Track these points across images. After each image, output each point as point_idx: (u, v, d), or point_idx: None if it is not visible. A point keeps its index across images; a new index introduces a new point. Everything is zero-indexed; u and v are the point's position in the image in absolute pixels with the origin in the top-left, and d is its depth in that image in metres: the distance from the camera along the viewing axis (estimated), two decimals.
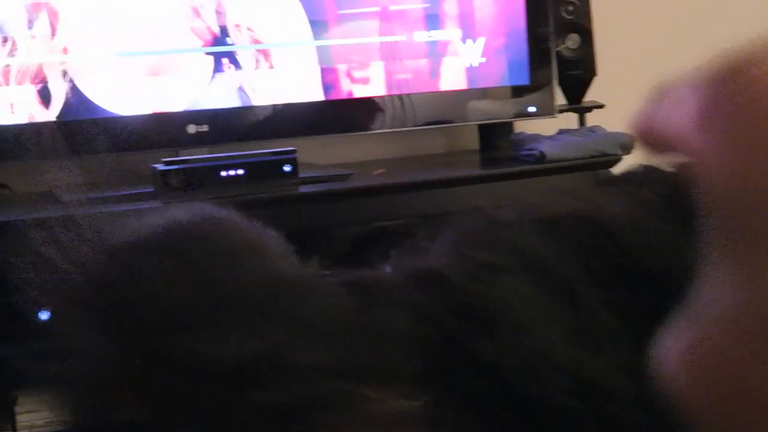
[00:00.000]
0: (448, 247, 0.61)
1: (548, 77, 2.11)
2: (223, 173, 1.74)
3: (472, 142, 2.26)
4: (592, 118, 2.19)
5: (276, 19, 1.97)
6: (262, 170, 1.78)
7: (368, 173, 1.92)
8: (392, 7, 2.03)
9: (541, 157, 1.94)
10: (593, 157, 1.96)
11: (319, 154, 2.12)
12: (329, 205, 1.80)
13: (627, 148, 1.97)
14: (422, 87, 2.07)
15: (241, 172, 1.75)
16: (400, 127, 2.08)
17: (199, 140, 1.92)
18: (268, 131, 1.97)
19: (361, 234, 1.87)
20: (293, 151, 1.79)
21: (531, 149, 1.97)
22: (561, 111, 2.15)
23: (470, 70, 2.09)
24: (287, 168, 1.77)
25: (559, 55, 2.13)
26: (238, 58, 1.96)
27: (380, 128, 2.06)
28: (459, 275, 0.54)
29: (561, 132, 2.13)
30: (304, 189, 1.78)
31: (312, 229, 1.79)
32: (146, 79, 1.91)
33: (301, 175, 1.79)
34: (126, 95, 1.89)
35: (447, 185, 1.88)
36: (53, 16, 1.85)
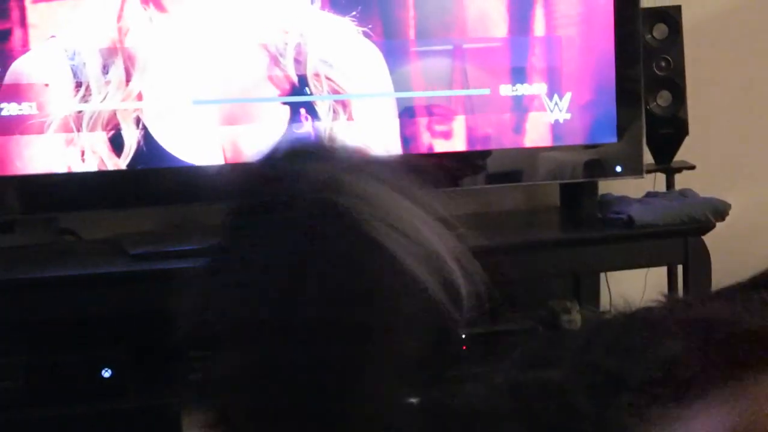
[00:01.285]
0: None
1: (637, 136, 2.06)
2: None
3: (553, 198, 2.23)
4: (682, 180, 2.15)
5: (357, 70, 1.95)
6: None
7: None
8: (477, 59, 2.00)
9: (630, 222, 1.91)
10: (684, 223, 1.92)
11: None
12: None
13: (720, 215, 1.93)
14: (505, 142, 2.03)
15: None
16: (481, 184, 2.04)
17: None
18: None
19: None
20: None
21: (619, 212, 1.94)
22: (649, 171, 2.12)
23: (555, 126, 2.05)
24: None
25: (648, 112, 2.09)
26: (317, 108, 1.93)
27: (460, 185, 2.02)
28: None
29: (649, 195, 2.09)
30: None
31: None
32: (221, 128, 1.88)
33: None
34: (201, 144, 1.87)
35: (531, 249, 1.85)
36: (129, 61, 1.83)
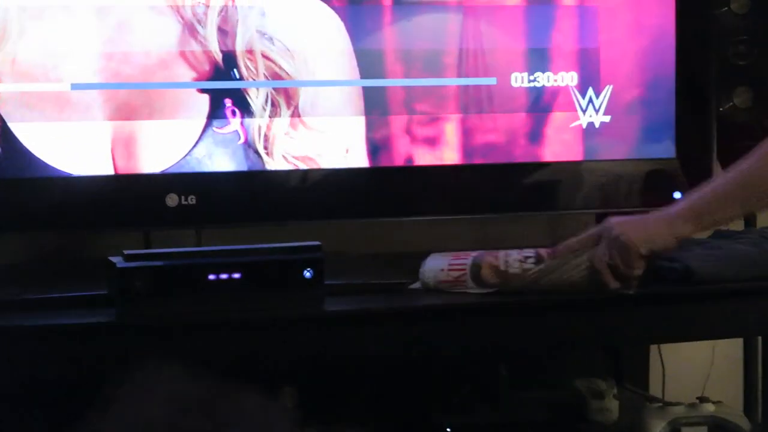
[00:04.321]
0: None
1: (705, 148, 2.06)
2: (212, 276, 1.68)
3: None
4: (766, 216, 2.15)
5: (308, 46, 1.91)
6: (270, 274, 1.71)
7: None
8: (479, 34, 1.99)
9: (687, 275, 1.85)
10: (764, 278, 1.88)
11: (362, 243, 2.10)
12: (370, 331, 1.74)
13: None
14: (517, 154, 2.01)
15: (237, 275, 1.69)
16: (481, 213, 2.03)
17: (182, 218, 1.87)
18: (284, 211, 1.92)
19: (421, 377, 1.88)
20: (317, 248, 1.73)
21: (673, 260, 1.87)
22: None
23: (589, 133, 2.04)
24: (307, 273, 1.71)
25: (721, 116, 2.08)
26: (250, 99, 1.89)
27: (451, 212, 2.02)
28: None
29: (718, 235, 2.03)
30: (331, 305, 1.73)
31: (341, 369, 1.76)
32: (110, 125, 1.85)
33: (330, 282, 1.73)
34: (81, 146, 1.84)
35: (551, 308, 1.79)
36: None
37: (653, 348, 2.24)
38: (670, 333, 1.96)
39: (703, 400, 1.98)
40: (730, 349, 2.16)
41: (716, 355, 2.13)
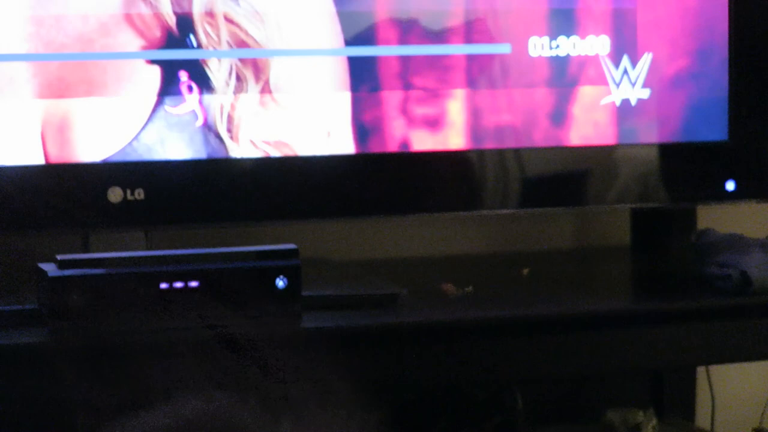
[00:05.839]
0: None
1: (765, 129, 2.07)
2: (164, 285, 1.70)
3: (618, 234, 2.27)
4: None
5: (280, 8, 1.91)
6: (235, 284, 1.74)
7: (435, 288, 1.92)
8: None
9: (745, 283, 1.87)
10: None
11: (347, 247, 2.11)
12: (361, 355, 1.78)
13: None
14: (537, 138, 2.02)
15: (194, 284, 1.72)
16: (495, 209, 2.03)
17: (127, 216, 1.87)
18: (252, 208, 1.93)
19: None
20: (292, 252, 1.76)
21: (726, 265, 1.90)
22: None
23: (623, 112, 2.05)
24: (280, 283, 1.73)
25: None
26: (209, 71, 1.89)
27: (456, 208, 2.02)
28: None
29: None
30: (310, 322, 1.76)
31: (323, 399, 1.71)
32: (41, 104, 1.84)
33: (308, 293, 1.77)
34: (5, 132, 1.84)
35: (579, 324, 1.84)
36: None
37: (701, 372, 2.25)
38: (721, 354, 1.97)
39: None
40: None
41: None
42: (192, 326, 1.69)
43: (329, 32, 1.94)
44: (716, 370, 2.24)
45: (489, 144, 1.99)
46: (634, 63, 2.03)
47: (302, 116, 1.92)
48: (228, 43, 1.89)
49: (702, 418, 2.31)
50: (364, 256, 2.12)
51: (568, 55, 2.01)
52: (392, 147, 1.96)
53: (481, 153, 2.00)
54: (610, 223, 2.26)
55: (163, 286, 1.70)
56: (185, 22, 1.87)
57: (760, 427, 2.09)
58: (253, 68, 1.91)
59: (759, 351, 1.96)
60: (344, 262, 2.08)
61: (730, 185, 2.04)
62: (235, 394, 1.17)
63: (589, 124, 2.02)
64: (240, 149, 1.89)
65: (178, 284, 1.71)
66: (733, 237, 2.04)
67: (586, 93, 2.02)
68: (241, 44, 1.90)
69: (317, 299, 1.79)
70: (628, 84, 2.03)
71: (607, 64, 2.02)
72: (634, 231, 2.23)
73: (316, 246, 1.93)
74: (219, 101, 1.89)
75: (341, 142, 1.93)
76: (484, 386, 1.98)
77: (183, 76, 1.88)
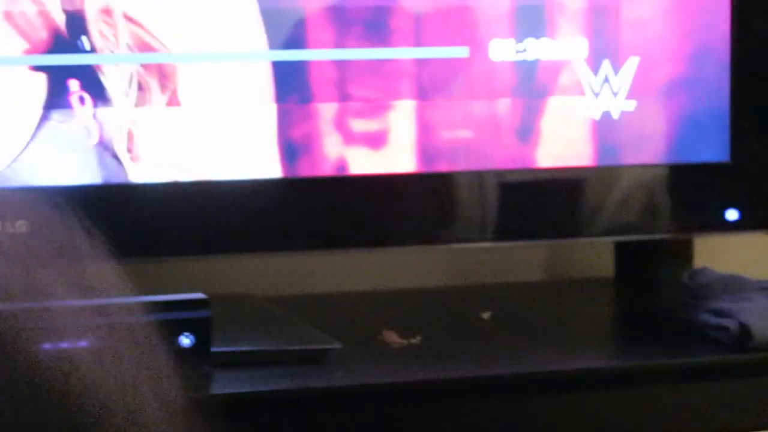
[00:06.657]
0: None
1: None
2: (48, 346, 1.64)
3: (601, 263, 2.25)
4: None
5: (192, 5, 1.89)
6: (131, 342, 1.66)
7: (376, 337, 1.90)
8: None
9: (744, 336, 1.85)
10: None
11: (274, 280, 2.10)
12: (284, 425, 1.75)
13: None
14: (499, 159, 1.99)
15: (83, 344, 1.64)
16: (450, 242, 2.02)
17: None
18: (156, 243, 1.91)
19: None
20: (200, 303, 1.74)
21: (722, 313, 1.88)
22: None
23: (604, 127, 2.01)
24: (186, 341, 1.72)
25: None
26: (104, 79, 1.85)
27: (402, 241, 2.02)
28: None
29: None
30: (221, 387, 1.74)
31: None
32: None
33: (219, 348, 1.75)
34: None
35: (548, 386, 1.82)
36: None
37: None
38: (719, 419, 1.92)
39: None
40: None
41: None
42: (79, 393, 1.59)
43: (251, 32, 1.90)
44: None
45: (442, 165, 1.96)
46: (616, 69, 1.98)
47: (218, 133, 1.88)
48: (128, 46, 1.85)
49: None
50: (294, 291, 2.08)
51: (537, 59, 1.96)
52: (326, 169, 1.92)
53: (432, 176, 1.96)
54: (589, 253, 2.24)
55: (47, 347, 1.59)
56: (77, 22, 1.83)
57: None
58: (159, 76, 1.87)
59: (762, 416, 1.91)
60: (270, 298, 2.04)
61: (732, 214, 2.00)
62: None
63: (561, 141, 1.98)
64: (142, 172, 1.85)
65: (65, 344, 1.61)
66: (732, 279, 2.00)
67: (558, 104, 1.98)
68: (145, 47, 1.86)
69: (232, 356, 1.75)
70: (610, 94, 1.98)
71: (585, 70, 1.98)
72: (619, 262, 2.18)
73: (237, 280, 1.91)
74: (117, 115, 1.85)
75: (265, 164, 1.90)
76: None
77: (73, 85, 1.84)
